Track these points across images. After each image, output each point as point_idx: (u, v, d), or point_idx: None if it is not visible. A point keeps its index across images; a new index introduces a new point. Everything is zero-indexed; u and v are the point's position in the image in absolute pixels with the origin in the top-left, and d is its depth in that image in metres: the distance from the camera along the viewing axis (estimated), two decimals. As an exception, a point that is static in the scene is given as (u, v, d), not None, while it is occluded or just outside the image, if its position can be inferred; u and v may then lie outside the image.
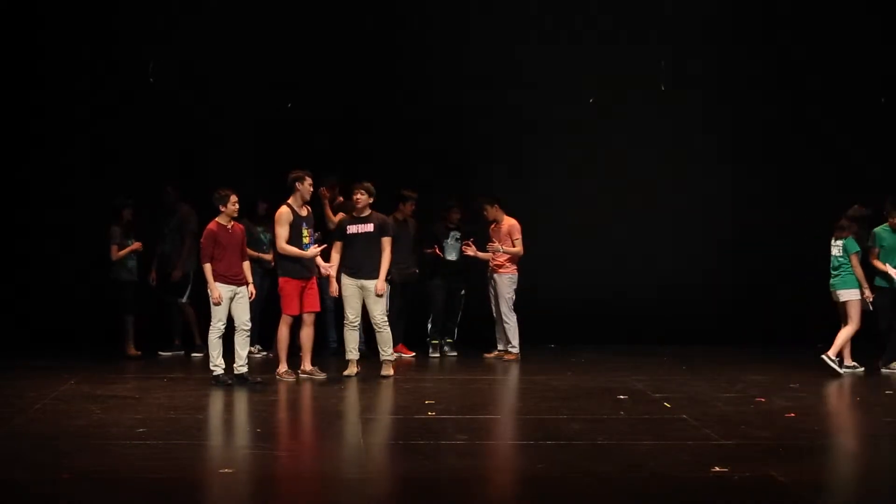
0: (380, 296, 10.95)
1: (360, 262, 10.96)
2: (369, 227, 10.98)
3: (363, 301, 10.99)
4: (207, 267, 10.47)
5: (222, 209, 10.57)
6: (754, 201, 14.26)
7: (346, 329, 11.10)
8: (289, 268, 10.81)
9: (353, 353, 11.07)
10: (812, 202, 14.13)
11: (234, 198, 10.58)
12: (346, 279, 11.02)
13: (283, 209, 10.83)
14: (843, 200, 13.84)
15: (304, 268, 10.81)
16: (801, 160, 14.21)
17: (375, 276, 10.92)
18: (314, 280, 10.97)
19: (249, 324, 10.64)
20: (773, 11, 14.20)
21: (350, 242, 11.00)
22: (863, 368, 11.44)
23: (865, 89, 14.14)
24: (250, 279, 10.73)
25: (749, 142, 14.31)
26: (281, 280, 10.88)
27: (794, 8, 14.16)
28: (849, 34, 14.08)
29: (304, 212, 10.90)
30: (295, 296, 10.79)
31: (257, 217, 12.61)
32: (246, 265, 10.71)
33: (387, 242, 11.02)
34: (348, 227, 11.04)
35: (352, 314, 11.02)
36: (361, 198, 10.98)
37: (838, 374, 11.12)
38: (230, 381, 10.38)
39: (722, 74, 14.25)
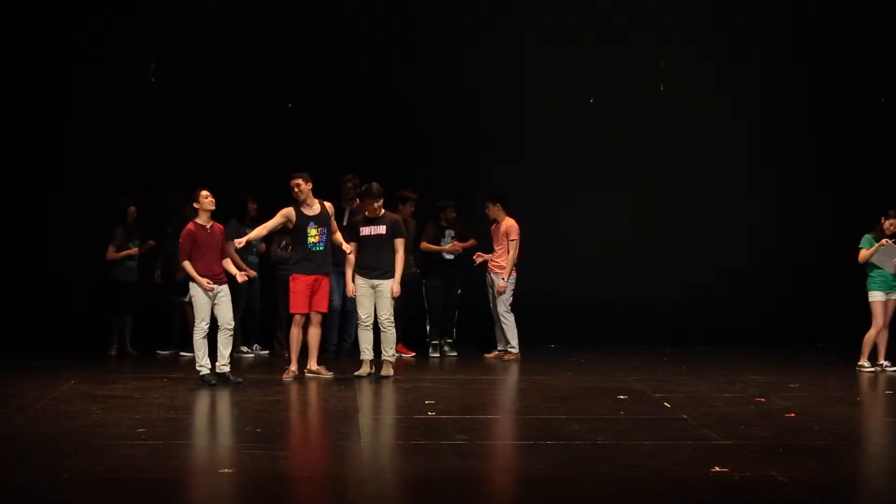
0: (395, 298, 10.96)
1: (372, 262, 10.95)
2: (381, 230, 10.97)
3: (375, 301, 10.99)
4: (187, 264, 10.39)
5: (195, 205, 10.52)
6: (755, 201, 14.27)
7: (358, 329, 11.11)
8: (298, 266, 10.81)
9: (366, 352, 11.04)
10: (812, 202, 14.15)
11: (204, 192, 10.50)
12: (359, 279, 11.00)
13: (288, 207, 10.83)
14: (842, 201, 13.87)
15: (312, 263, 10.78)
16: (801, 160, 14.21)
17: (387, 276, 10.93)
18: (326, 279, 10.94)
19: (233, 323, 10.60)
20: (773, 11, 14.21)
21: (363, 243, 11.00)
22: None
23: (866, 89, 14.17)
24: (235, 271, 10.70)
25: (749, 141, 14.31)
26: (290, 278, 10.88)
27: (794, 7, 14.18)
28: (850, 34, 14.12)
29: (312, 211, 10.86)
30: (302, 293, 10.76)
31: (248, 218, 12.45)
32: (226, 262, 10.68)
33: (400, 244, 11.00)
34: (361, 228, 11.04)
35: (364, 314, 11.00)
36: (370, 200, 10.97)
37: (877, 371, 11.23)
38: (214, 381, 10.38)
39: (721, 73, 14.26)
